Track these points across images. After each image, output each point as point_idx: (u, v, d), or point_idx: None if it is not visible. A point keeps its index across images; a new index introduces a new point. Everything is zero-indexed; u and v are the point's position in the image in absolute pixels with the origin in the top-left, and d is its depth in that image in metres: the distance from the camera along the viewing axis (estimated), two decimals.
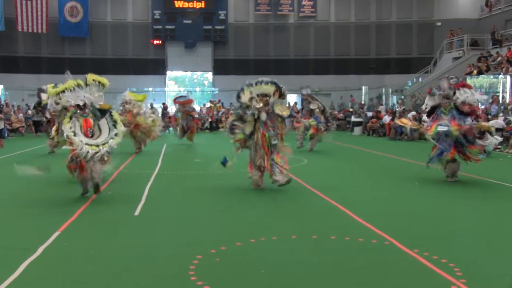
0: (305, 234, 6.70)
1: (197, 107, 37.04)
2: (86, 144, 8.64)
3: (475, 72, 28.27)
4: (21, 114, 28.86)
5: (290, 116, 10.41)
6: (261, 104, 9.95)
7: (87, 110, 9.16)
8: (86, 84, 9.34)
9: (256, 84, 10.20)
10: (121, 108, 17.45)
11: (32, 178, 11.67)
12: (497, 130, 19.15)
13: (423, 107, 11.96)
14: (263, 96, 10.04)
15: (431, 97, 11.36)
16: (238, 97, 10.38)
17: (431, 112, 11.20)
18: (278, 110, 10.07)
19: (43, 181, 11.40)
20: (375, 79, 36.54)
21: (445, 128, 10.53)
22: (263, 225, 7.28)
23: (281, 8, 37.17)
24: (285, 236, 6.61)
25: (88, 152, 8.55)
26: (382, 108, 30.85)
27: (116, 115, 9.37)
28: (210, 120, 32.65)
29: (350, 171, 13.44)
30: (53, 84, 9.86)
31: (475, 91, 11.22)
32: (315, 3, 37.27)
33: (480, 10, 35.87)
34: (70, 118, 9.00)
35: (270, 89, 10.09)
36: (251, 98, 10.10)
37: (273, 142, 9.96)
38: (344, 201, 8.86)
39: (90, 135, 8.98)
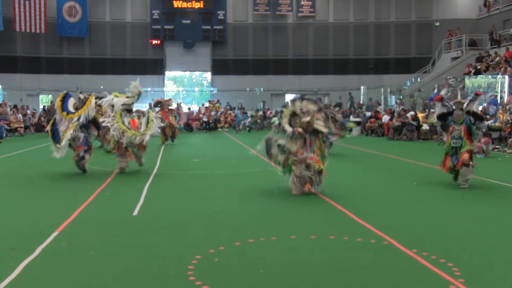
0: (304, 234, 6.69)
1: (195, 106, 37.27)
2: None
3: (473, 72, 28.33)
4: (20, 115, 28.82)
5: (329, 133, 9.66)
6: (308, 118, 9.25)
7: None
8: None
9: (302, 101, 9.50)
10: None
11: (30, 178, 11.71)
12: (495, 130, 19.26)
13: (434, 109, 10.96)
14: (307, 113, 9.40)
15: (443, 107, 10.55)
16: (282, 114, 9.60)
17: (443, 118, 10.40)
18: (318, 126, 9.40)
19: (41, 181, 11.42)
20: (374, 79, 36.61)
21: (458, 144, 10.05)
22: (262, 225, 7.27)
23: (280, 8, 37.23)
24: (284, 236, 6.61)
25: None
26: (380, 108, 30.89)
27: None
28: (207, 119, 32.68)
29: (349, 171, 13.43)
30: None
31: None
32: (313, 3, 37.32)
33: (479, 10, 35.97)
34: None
35: (312, 107, 9.44)
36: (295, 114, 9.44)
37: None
38: (343, 201, 8.86)
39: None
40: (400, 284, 5.03)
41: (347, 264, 5.59)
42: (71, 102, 12.45)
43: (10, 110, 28.95)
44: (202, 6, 36.71)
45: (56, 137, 12.09)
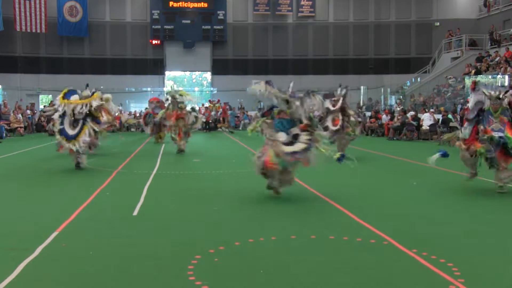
0: (303, 234, 6.69)
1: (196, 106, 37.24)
2: None
3: (473, 72, 28.32)
4: (20, 115, 28.82)
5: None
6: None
7: None
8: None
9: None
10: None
11: (30, 178, 11.72)
12: None
13: (469, 105, 10.15)
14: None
15: (476, 93, 9.78)
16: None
17: (477, 113, 9.58)
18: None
19: (40, 180, 11.42)
20: (374, 79, 36.60)
21: (501, 134, 9.24)
22: (262, 225, 7.27)
23: (280, 8, 37.21)
24: (284, 236, 6.61)
25: None
26: (380, 109, 30.91)
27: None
28: (206, 120, 32.66)
29: (348, 171, 13.37)
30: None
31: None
32: (313, 3, 37.30)
33: (479, 10, 35.95)
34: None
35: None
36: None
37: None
38: (343, 200, 8.86)
39: None
40: (400, 284, 5.02)
41: (347, 264, 5.59)
42: (74, 98, 12.70)
43: (16, 108, 29.05)
44: (202, 6, 36.71)
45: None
